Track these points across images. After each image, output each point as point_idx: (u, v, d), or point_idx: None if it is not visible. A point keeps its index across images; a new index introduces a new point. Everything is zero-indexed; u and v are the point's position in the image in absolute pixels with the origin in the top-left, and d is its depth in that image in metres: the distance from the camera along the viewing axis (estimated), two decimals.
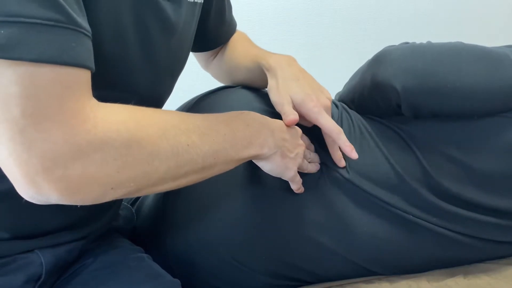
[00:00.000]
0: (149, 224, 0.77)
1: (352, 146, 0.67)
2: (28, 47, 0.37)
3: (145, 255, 0.68)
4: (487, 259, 0.76)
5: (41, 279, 0.57)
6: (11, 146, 0.39)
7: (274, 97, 0.70)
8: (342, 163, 0.70)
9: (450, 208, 0.69)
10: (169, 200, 0.74)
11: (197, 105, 0.81)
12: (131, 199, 0.86)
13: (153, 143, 0.46)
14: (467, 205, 0.69)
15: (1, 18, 0.36)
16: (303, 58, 0.81)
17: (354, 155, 0.67)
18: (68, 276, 0.62)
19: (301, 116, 0.67)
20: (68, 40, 0.40)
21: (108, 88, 0.44)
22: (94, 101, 0.43)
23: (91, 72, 0.43)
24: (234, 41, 0.88)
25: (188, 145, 0.50)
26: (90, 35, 0.43)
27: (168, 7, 0.59)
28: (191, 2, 0.66)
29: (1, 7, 0.37)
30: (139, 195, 0.57)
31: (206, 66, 0.94)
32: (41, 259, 0.57)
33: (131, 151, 0.44)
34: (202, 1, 0.71)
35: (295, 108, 0.67)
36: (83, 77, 0.42)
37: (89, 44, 0.43)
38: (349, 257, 0.70)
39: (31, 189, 0.41)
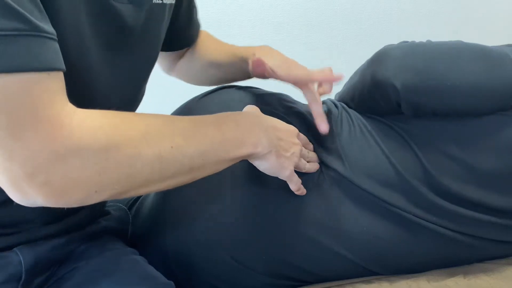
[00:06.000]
0: (149, 225, 0.77)
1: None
2: None
3: (139, 257, 0.68)
4: (487, 259, 0.76)
5: (22, 279, 0.57)
6: None
7: (298, 70, 0.76)
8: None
9: (450, 207, 0.69)
10: (168, 201, 0.74)
11: (195, 105, 0.81)
12: (129, 201, 0.85)
13: (133, 146, 0.46)
14: (467, 204, 0.69)
15: None
16: (303, 59, 0.81)
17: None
18: (60, 278, 0.62)
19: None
20: (33, 47, 0.40)
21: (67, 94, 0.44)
22: (70, 106, 0.43)
23: (63, 72, 0.43)
24: (203, 40, 0.90)
25: (171, 147, 0.50)
26: (55, 37, 0.43)
27: (124, 10, 0.57)
28: (158, 4, 0.65)
29: None
30: (128, 196, 0.58)
31: (170, 68, 0.94)
32: (20, 258, 0.57)
33: (110, 155, 0.44)
34: (174, 2, 0.70)
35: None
36: (54, 81, 0.42)
37: (55, 46, 0.43)
38: (348, 257, 0.70)
39: (18, 194, 0.42)
